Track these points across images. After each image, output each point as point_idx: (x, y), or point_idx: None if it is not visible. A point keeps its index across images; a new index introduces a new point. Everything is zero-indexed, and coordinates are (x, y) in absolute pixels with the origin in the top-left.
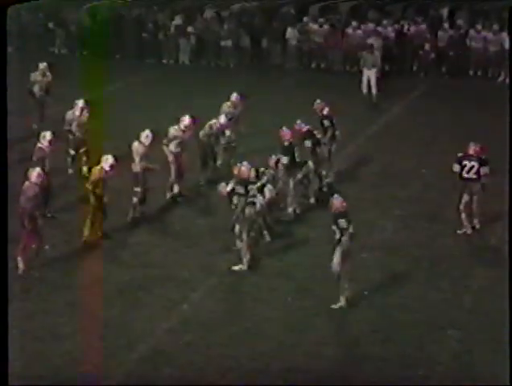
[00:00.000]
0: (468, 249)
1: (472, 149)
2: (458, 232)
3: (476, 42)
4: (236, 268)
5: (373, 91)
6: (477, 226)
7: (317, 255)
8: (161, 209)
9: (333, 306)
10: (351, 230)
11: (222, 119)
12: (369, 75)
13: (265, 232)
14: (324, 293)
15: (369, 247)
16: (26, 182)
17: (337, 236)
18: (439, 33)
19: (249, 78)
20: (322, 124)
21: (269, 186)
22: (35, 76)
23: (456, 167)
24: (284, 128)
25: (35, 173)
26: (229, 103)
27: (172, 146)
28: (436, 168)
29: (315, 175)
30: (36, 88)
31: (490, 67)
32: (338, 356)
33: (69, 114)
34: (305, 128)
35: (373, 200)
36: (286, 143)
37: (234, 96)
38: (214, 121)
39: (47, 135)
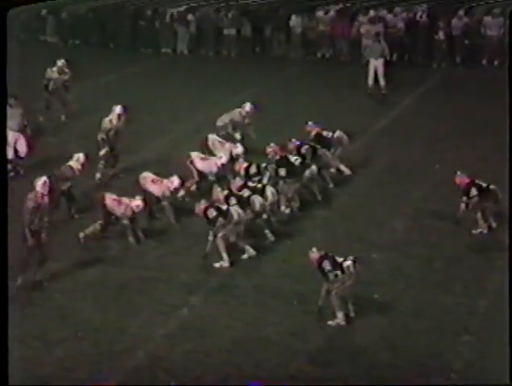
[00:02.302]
0: (483, 250)
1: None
2: (473, 232)
3: (493, 29)
4: (217, 265)
5: (381, 82)
6: (494, 225)
7: None
8: (159, 210)
9: (330, 323)
10: (345, 264)
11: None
12: (377, 65)
13: (267, 232)
14: None
15: (379, 247)
16: (30, 194)
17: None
18: (454, 20)
19: (251, 69)
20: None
21: (271, 189)
22: (51, 73)
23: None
24: (272, 144)
25: (40, 182)
26: (242, 111)
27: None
28: (450, 164)
29: (319, 177)
30: (51, 85)
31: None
32: (345, 364)
33: (106, 122)
34: (315, 129)
35: (382, 198)
36: (277, 157)
37: (248, 107)
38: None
39: (81, 157)
